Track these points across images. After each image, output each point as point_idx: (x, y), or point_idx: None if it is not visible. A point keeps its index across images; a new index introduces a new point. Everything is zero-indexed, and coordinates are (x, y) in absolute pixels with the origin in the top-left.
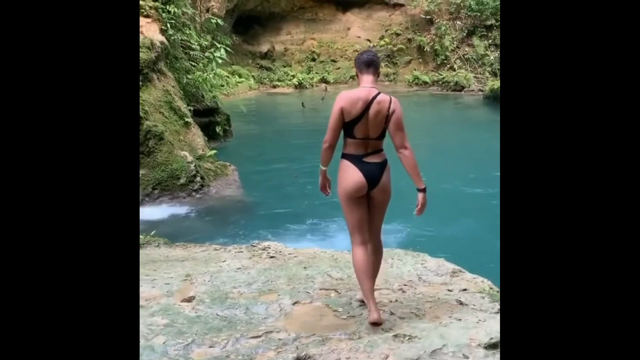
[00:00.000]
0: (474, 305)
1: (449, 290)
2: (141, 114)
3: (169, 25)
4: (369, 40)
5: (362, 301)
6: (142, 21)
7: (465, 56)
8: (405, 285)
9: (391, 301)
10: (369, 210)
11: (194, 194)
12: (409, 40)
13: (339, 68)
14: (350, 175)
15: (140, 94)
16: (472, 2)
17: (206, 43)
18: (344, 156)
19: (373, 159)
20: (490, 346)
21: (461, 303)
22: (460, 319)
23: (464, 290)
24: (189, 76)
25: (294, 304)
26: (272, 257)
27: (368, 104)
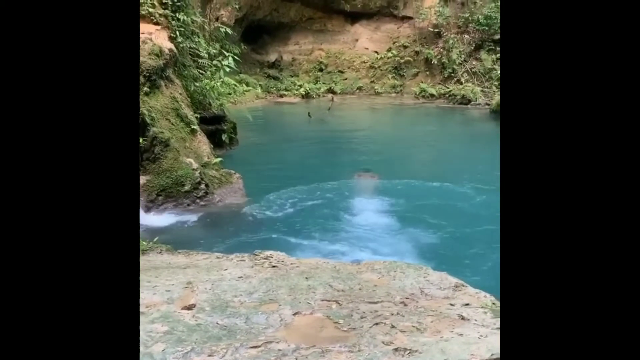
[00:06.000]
0: (475, 320)
1: (451, 305)
2: (148, 120)
3: (178, 32)
4: (376, 52)
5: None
6: (152, 28)
7: (473, 70)
8: (407, 298)
9: (392, 314)
10: None
11: (198, 201)
12: (417, 52)
13: (346, 79)
14: None
15: (148, 100)
16: (480, 17)
17: (215, 51)
18: None
19: None
20: None
21: (463, 318)
22: (461, 334)
23: (466, 304)
24: (197, 84)
25: (294, 314)
26: (274, 266)
27: None
